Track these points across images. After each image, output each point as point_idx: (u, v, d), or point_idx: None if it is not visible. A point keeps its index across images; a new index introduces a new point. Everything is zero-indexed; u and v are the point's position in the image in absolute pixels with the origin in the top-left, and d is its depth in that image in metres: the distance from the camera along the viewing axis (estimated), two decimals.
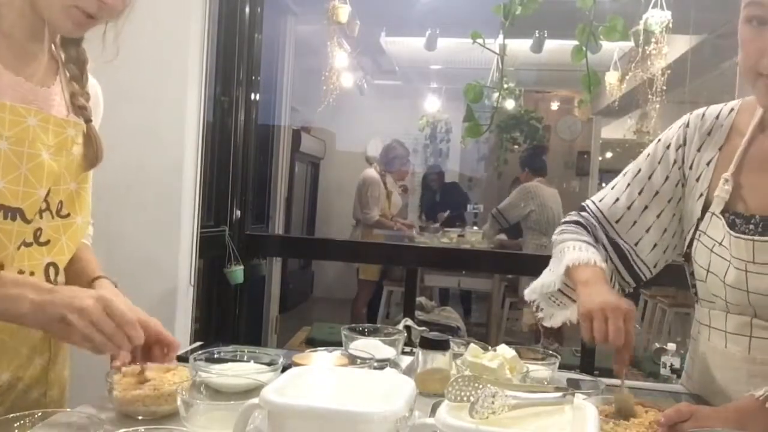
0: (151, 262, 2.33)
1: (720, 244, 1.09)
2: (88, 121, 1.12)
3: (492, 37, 2.65)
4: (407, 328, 1.57)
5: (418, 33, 4.95)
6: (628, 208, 1.23)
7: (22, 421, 0.85)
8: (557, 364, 1.31)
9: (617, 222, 1.24)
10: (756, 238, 1.05)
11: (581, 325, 1.07)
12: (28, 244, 1.03)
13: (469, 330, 4.52)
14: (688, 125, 1.20)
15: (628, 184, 1.24)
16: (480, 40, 2.40)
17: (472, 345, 1.22)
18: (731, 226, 1.08)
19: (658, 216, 1.21)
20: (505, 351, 1.19)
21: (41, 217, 1.04)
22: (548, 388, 0.85)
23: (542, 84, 6.96)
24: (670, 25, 3.07)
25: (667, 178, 1.20)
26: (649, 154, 1.24)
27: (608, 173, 10.86)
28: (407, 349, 1.42)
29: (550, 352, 1.37)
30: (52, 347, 1.14)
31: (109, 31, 1.11)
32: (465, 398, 0.79)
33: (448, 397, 0.80)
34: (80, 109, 1.12)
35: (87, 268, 1.21)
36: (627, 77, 3.87)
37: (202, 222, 2.47)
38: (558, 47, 4.10)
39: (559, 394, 0.82)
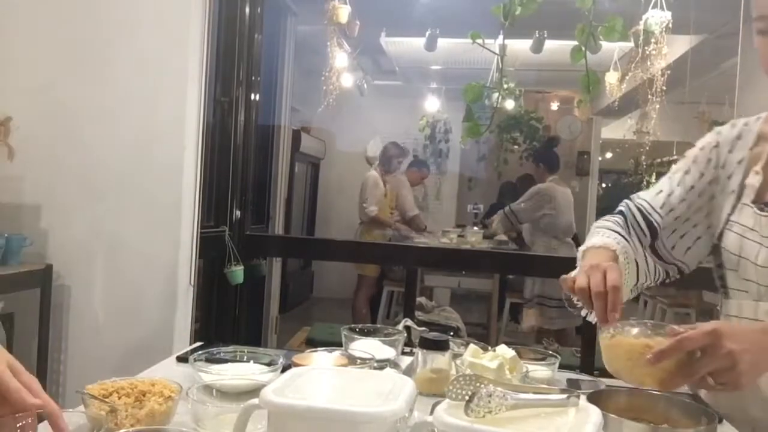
0: (151, 262, 2.34)
1: (751, 229, 1.17)
2: None
3: (492, 38, 2.65)
4: (407, 328, 1.57)
5: (418, 33, 4.94)
6: (668, 195, 1.32)
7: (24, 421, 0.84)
8: (557, 364, 1.31)
9: (660, 207, 1.32)
10: None
11: (562, 284, 1.13)
12: None
13: (469, 330, 4.51)
14: (720, 132, 1.32)
15: (669, 178, 1.34)
16: (480, 41, 2.41)
17: (472, 345, 1.22)
18: (762, 211, 1.16)
19: (689, 207, 1.30)
20: (504, 351, 1.19)
21: None
22: (554, 390, 0.85)
23: (542, 84, 6.96)
24: (670, 26, 3.06)
25: (701, 174, 1.30)
26: (685, 155, 1.36)
27: (608, 173, 10.87)
28: (407, 349, 1.42)
29: (550, 352, 1.37)
30: None
31: None
32: (466, 397, 0.78)
33: (449, 396, 0.79)
34: None
35: None
36: (627, 77, 3.86)
37: (202, 222, 2.47)
38: (558, 47, 4.09)
39: (563, 396, 0.81)
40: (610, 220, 1.34)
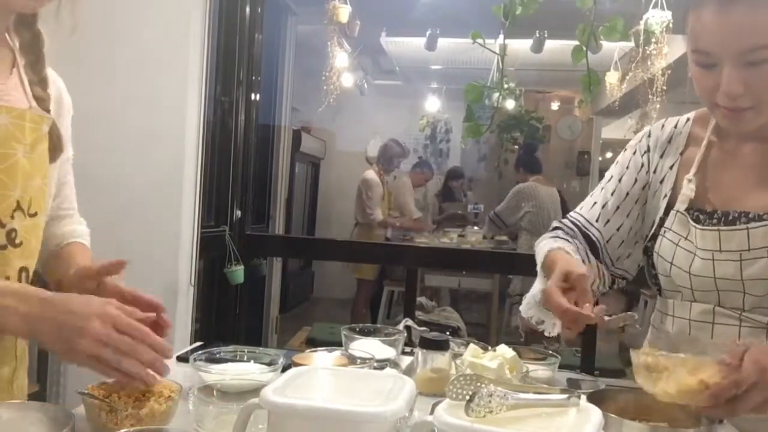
0: (151, 263, 2.33)
1: (685, 238, 1.17)
2: (46, 111, 1.06)
3: (492, 37, 2.65)
4: (407, 328, 1.57)
5: (419, 33, 4.94)
6: (603, 207, 1.32)
7: None
8: (557, 364, 1.31)
9: (596, 221, 1.33)
10: (722, 228, 1.13)
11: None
12: (2, 247, 0.97)
13: (469, 330, 4.51)
14: (650, 135, 1.32)
15: (603, 188, 1.35)
16: (480, 40, 2.41)
17: (472, 345, 1.22)
18: (696, 221, 1.17)
19: (627, 215, 1.30)
20: (505, 351, 1.19)
21: (13, 218, 0.98)
22: (554, 390, 0.85)
23: (542, 84, 6.95)
24: (671, 25, 3.06)
25: (635, 180, 1.31)
26: (618, 162, 1.36)
27: None
28: (407, 349, 1.42)
29: (550, 352, 1.37)
30: (17, 356, 1.08)
31: (65, 4, 1.04)
32: (466, 397, 0.78)
33: (449, 396, 0.80)
34: (39, 100, 1.05)
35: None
36: (627, 77, 3.86)
37: (202, 222, 2.47)
38: (558, 47, 4.09)
39: (563, 396, 0.81)
40: (555, 234, 1.33)
